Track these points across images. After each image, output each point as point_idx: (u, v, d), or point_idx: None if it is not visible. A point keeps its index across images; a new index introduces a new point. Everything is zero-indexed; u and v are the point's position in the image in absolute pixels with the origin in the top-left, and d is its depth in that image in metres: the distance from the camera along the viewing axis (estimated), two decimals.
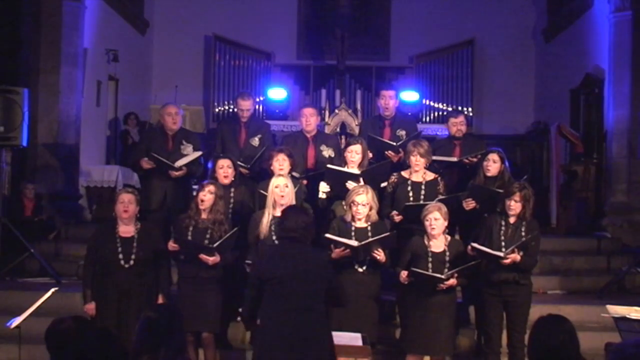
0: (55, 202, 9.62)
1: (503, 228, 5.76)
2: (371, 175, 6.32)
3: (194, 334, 5.69)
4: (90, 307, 5.54)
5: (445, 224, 5.59)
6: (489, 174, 6.44)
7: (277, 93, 13.49)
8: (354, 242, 5.52)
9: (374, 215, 5.75)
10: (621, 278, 7.93)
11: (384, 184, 6.42)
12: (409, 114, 10.44)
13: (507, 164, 6.58)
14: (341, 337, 4.72)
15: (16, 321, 5.14)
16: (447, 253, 5.57)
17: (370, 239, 5.54)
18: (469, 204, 6.33)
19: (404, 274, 5.52)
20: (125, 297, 5.48)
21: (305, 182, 6.65)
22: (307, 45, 14.32)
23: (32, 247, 8.00)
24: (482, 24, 13.87)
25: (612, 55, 10.02)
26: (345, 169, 6.39)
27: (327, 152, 6.99)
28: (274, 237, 5.62)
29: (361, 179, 6.22)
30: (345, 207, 5.85)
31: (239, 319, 6.33)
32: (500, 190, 6.02)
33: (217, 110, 13.78)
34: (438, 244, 5.60)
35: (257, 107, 12.97)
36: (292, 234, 4.44)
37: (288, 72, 14.15)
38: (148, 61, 14.05)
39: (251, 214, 6.07)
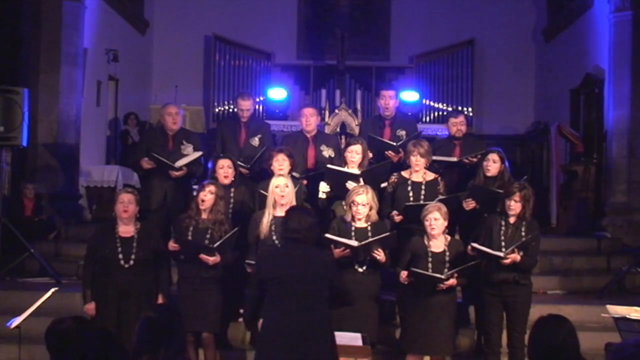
0: (55, 202, 9.62)
1: (503, 228, 5.76)
2: (371, 175, 6.32)
3: (194, 334, 5.69)
4: (90, 307, 5.54)
5: (445, 224, 5.59)
6: (489, 174, 6.44)
7: (277, 93, 13.49)
8: (354, 242, 5.52)
9: (374, 215, 5.75)
10: (621, 278, 7.93)
11: (384, 184, 6.42)
12: (409, 114, 10.44)
13: (507, 164, 6.58)
14: (341, 337, 4.72)
15: (16, 321, 5.14)
16: (447, 253, 5.57)
17: (370, 239, 5.54)
18: (469, 204, 6.33)
19: (403, 274, 5.52)
20: (125, 297, 5.47)
21: (305, 182, 6.65)
22: (307, 45, 14.32)
23: (32, 247, 8.00)
24: (482, 24, 13.86)
25: (612, 55, 10.02)
26: (345, 169, 6.39)
27: (327, 152, 6.99)
28: (274, 237, 5.62)
29: (361, 179, 6.22)
30: (345, 207, 5.85)
31: (240, 319, 6.34)
32: (500, 191, 6.02)
33: (217, 110, 13.78)
34: (438, 244, 5.60)
35: (257, 107, 12.97)
36: (296, 234, 4.44)
37: (288, 72, 14.15)
38: (148, 61, 14.05)
39: (251, 214, 6.07)
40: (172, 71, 13.61)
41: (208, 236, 5.72)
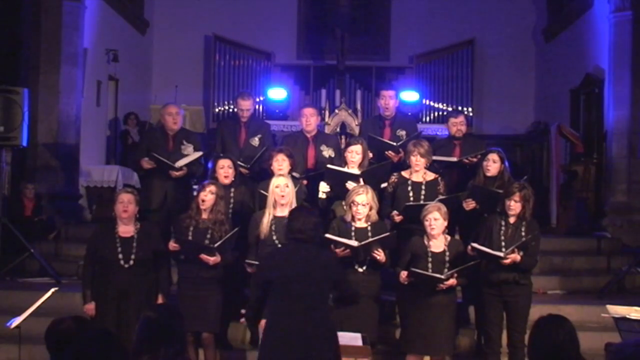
0: (55, 202, 9.62)
1: (503, 228, 5.76)
2: (371, 175, 6.32)
3: (194, 334, 5.69)
4: (90, 307, 5.55)
5: (445, 224, 5.59)
6: (488, 174, 6.44)
7: (277, 93, 13.49)
8: (354, 242, 5.52)
9: (374, 215, 5.75)
10: (621, 278, 7.93)
11: (384, 185, 6.42)
12: (409, 114, 10.43)
13: (507, 164, 6.58)
14: (341, 337, 4.72)
15: (16, 321, 5.14)
16: (447, 253, 5.57)
17: (370, 239, 5.54)
18: (469, 204, 6.33)
19: (403, 274, 5.52)
20: (125, 297, 5.48)
21: (305, 182, 6.65)
22: (307, 45, 14.32)
23: (32, 247, 8.01)
24: (482, 24, 13.87)
25: (612, 55, 10.02)
26: (345, 169, 6.39)
27: (327, 152, 6.99)
28: (274, 237, 5.62)
29: (361, 179, 6.22)
30: (345, 207, 5.85)
31: (242, 320, 6.34)
32: (500, 191, 6.02)
33: (217, 110, 13.78)
34: (438, 244, 5.60)
35: (257, 107, 12.97)
36: (300, 235, 4.43)
37: (288, 72, 14.15)
38: (148, 61, 14.05)
39: (251, 214, 6.07)
40: (172, 71, 13.61)
41: (208, 236, 5.72)
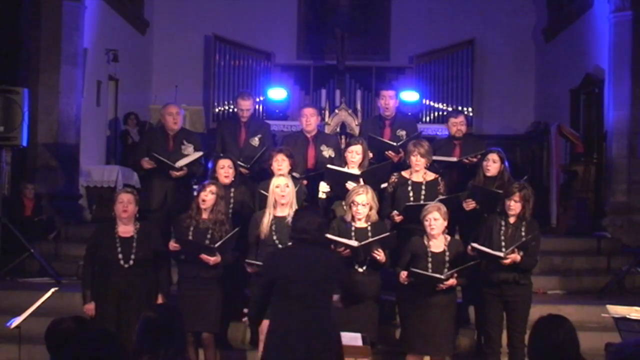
0: (55, 202, 9.62)
1: (503, 228, 5.75)
2: (371, 175, 6.32)
3: (194, 334, 5.69)
4: (90, 307, 5.55)
5: (445, 224, 5.59)
6: (488, 174, 6.44)
7: (277, 93, 13.49)
8: (354, 242, 5.52)
9: (374, 215, 5.75)
10: (621, 278, 7.93)
11: (384, 185, 6.42)
12: (409, 114, 10.44)
13: (506, 164, 6.58)
14: (341, 337, 4.71)
15: (16, 321, 5.14)
16: (447, 253, 5.57)
17: (370, 239, 5.54)
18: (469, 205, 6.33)
19: (403, 274, 5.52)
20: (125, 297, 5.48)
21: (305, 182, 6.65)
22: (307, 45, 14.32)
23: (32, 247, 8.01)
24: (482, 24, 13.87)
25: (612, 55, 10.02)
26: (345, 170, 6.39)
27: (328, 152, 6.99)
28: (274, 237, 5.62)
29: (361, 180, 6.22)
30: (345, 207, 5.85)
31: (244, 319, 6.33)
32: (500, 191, 6.02)
33: (217, 110, 13.78)
34: (438, 244, 5.60)
35: (257, 107, 12.97)
36: (304, 235, 4.41)
37: (288, 72, 14.15)
38: (148, 61, 14.05)
39: (251, 214, 6.07)
40: (172, 71, 13.61)
41: (209, 236, 5.72)
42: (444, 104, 13.80)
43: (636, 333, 4.69)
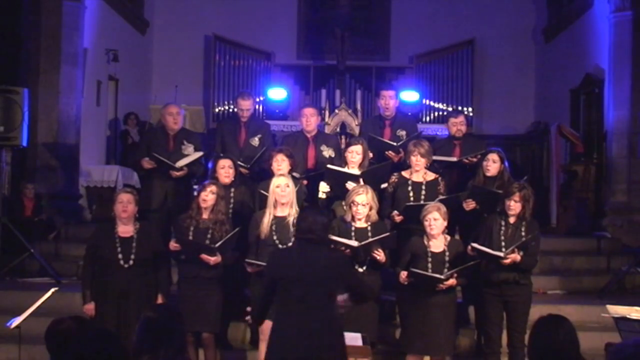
0: (55, 202, 9.62)
1: (503, 228, 5.75)
2: (371, 175, 6.32)
3: (194, 334, 5.69)
4: (90, 307, 5.54)
5: (445, 224, 5.59)
6: (488, 174, 6.44)
7: (277, 93, 13.49)
8: (354, 243, 5.52)
9: (374, 215, 5.75)
10: (621, 278, 7.93)
11: (384, 185, 6.42)
12: (409, 114, 10.44)
13: (506, 164, 6.58)
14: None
15: (16, 321, 5.14)
16: (447, 253, 5.57)
17: (371, 239, 5.55)
18: (469, 205, 6.33)
19: (403, 274, 5.52)
20: (125, 297, 5.47)
21: (305, 182, 6.65)
22: (307, 45, 14.32)
23: (32, 247, 8.01)
24: (482, 24, 13.86)
25: (612, 55, 10.03)
26: (345, 170, 6.39)
27: (328, 152, 6.99)
28: (274, 237, 5.61)
29: (361, 180, 6.22)
30: (345, 207, 5.85)
31: (247, 317, 6.32)
32: (500, 191, 6.02)
33: (217, 110, 13.78)
34: (437, 244, 5.60)
35: (257, 107, 12.97)
36: (310, 235, 4.40)
37: (288, 72, 14.14)
38: (148, 61, 14.05)
39: (251, 214, 6.07)
40: (172, 71, 13.61)
41: (209, 236, 5.72)
42: (444, 104, 13.80)
43: (636, 333, 4.69)
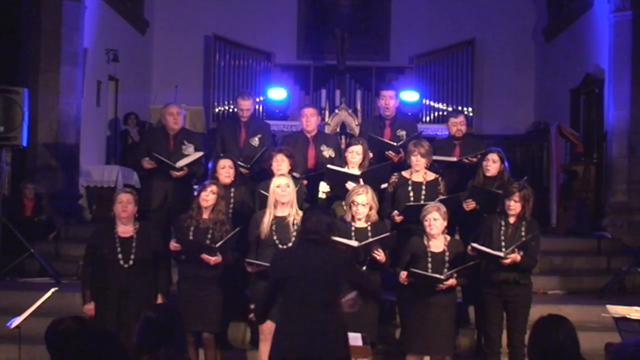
0: (55, 202, 9.62)
1: (503, 228, 5.75)
2: (371, 176, 6.32)
3: (194, 334, 5.69)
4: (90, 307, 5.55)
5: (445, 224, 5.59)
6: (488, 174, 6.43)
7: (277, 93, 13.49)
8: (354, 243, 5.51)
9: (374, 216, 5.75)
10: (621, 278, 7.93)
11: (384, 185, 6.42)
12: (409, 114, 10.44)
13: (506, 164, 6.58)
14: None
15: (16, 321, 5.14)
16: (447, 253, 5.57)
17: (371, 240, 5.54)
18: (469, 205, 6.33)
19: (403, 274, 5.52)
20: (125, 297, 5.47)
21: (305, 182, 6.65)
22: (307, 45, 14.32)
23: (32, 247, 8.01)
24: (482, 24, 13.87)
25: (612, 55, 10.03)
26: (345, 170, 6.39)
27: (328, 152, 6.99)
28: (274, 237, 5.61)
29: (361, 180, 6.22)
30: (345, 207, 5.85)
31: (250, 315, 6.31)
32: (500, 191, 6.02)
33: (217, 110, 13.78)
34: (437, 244, 5.60)
35: (257, 107, 12.97)
36: (314, 235, 4.39)
37: (288, 72, 14.15)
38: (148, 61, 14.05)
39: (251, 214, 6.06)
40: (172, 71, 13.61)
41: (209, 236, 5.72)
42: (444, 104, 13.80)
43: (636, 333, 4.69)
